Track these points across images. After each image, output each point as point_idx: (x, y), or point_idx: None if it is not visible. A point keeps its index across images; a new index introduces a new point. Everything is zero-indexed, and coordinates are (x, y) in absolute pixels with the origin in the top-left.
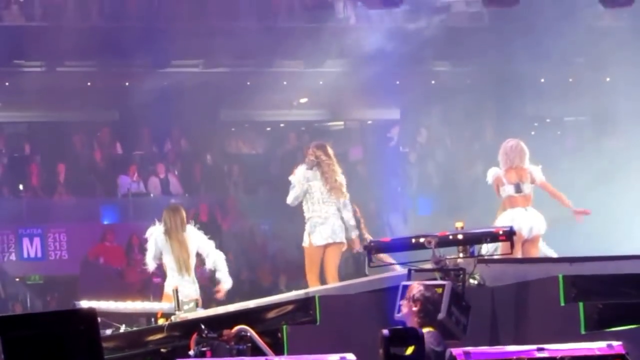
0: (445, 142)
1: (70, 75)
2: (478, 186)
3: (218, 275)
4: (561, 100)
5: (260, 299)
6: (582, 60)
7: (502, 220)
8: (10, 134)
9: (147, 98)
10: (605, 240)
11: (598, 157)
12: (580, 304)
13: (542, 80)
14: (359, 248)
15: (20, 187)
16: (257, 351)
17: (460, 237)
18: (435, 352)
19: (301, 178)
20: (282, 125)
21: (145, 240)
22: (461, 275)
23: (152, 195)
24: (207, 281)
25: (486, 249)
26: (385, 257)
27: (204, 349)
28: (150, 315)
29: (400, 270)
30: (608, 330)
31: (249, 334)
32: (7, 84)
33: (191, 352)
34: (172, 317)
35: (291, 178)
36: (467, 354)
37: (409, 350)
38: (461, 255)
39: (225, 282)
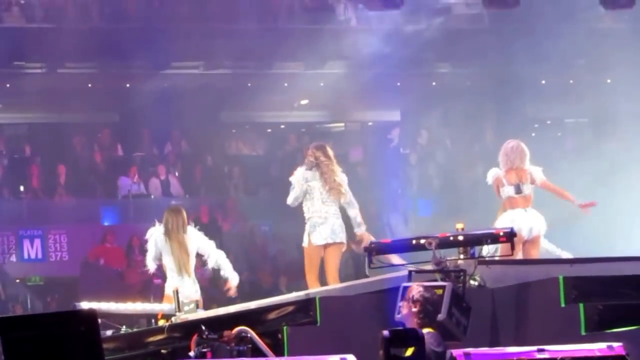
0: (445, 144)
1: (71, 76)
2: (478, 187)
3: (223, 273)
4: (561, 102)
5: (261, 300)
6: (583, 62)
7: (502, 221)
8: (10, 135)
9: (148, 99)
10: (605, 242)
11: (598, 158)
12: (581, 305)
13: (543, 81)
14: (365, 243)
15: (21, 188)
16: (258, 352)
17: (460, 238)
18: (435, 353)
19: (300, 179)
20: (282, 126)
21: (146, 242)
22: (462, 277)
23: (152, 196)
24: (208, 282)
25: (487, 250)
26: (393, 258)
27: (204, 350)
28: (150, 317)
29: (406, 267)
30: (608, 331)
31: (249, 335)
32: (7, 85)
33: (191, 353)
34: (173, 318)
35: (291, 179)
36: (467, 355)
37: (409, 351)
38: (462, 256)
39: (233, 279)
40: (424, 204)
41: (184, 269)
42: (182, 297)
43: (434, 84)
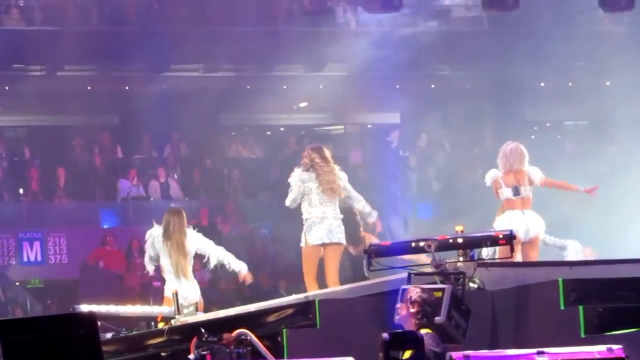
0: (445, 146)
1: (70, 79)
2: (478, 190)
3: (229, 267)
4: (561, 105)
5: (260, 302)
6: (582, 65)
7: (499, 223)
8: (10, 138)
9: (147, 102)
10: (604, 244)
11: (598, 161)
12: (580, 308)
13: (542, 84)
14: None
15: (20, 191)
16: (257, 355)
17: (460, 240)
18: (434, 353)
19: (297, 180)
20: (282, 129)
21: (145, 244)
22: (461, 279)
23: (152, 199)
24: (207, 284)
25: (486, 252)
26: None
27: (204, 352)
28: (150, 319)
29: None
30: (608, 333)
31: (248, 338)
32: (7, 87)
33: (191, 356)
34: (172, 321)
35: (289, 180)
36: (467, 357)
37: (407, 354)
38: (461, 259)
39: (242, 268)
40: (424, 206)
41: (181, 272)
42: (181, 299)
43: (433, 86)
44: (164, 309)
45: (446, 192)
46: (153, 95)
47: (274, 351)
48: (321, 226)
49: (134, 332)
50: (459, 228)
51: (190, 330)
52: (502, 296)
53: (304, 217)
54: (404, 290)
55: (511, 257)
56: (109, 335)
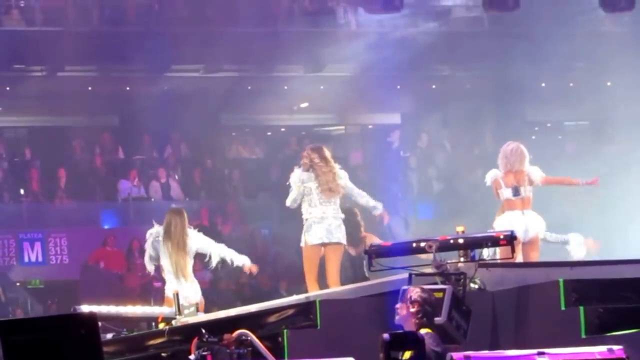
0: (445, 147)
1: (71, 80)
2: (479, 190)
3: (231, 261)
4: (562, 105)
5: (261, 303)
6: (583, 65)
7: (499, 224)
8: (10, 138)
9: (148, 103)
10: (605, 244)
11: (598, 161)
12: (581, 308)
13: (543, 84)
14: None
15: (21, 191)
16: (258, 355)
17: (461, 241)
18: (435, 353)
19: (297, 180)
20: (282, 129)
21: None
22: (462, 280)
23: (152, 199)
24: (208, 285)
25: (487, 253)
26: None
27: (204, 353)
28: (150, 320)
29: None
30: (609, 334)
31: (249, 338)
32: (7, 88)
33: (192, 357)
34: (173, 322)
35: (290, 181)
36: (467, 358)
37: (406, 354)
38: (462, 259)
39: (245, 262)
40: (424, 207)
41: (180, 272)
42: (181, 300)
43: (434, 87)
44: (165, 310)
45: (447, 192)
46: (154, 95)
47: (275, 352)
48: (320, 226)
49: (135, 333)
50: (459, 228)
51: (191, 330)
52: (502, 297)
53: (304, 217)
54: (404, 290)
55: (512, 257)
56: (109, 335)
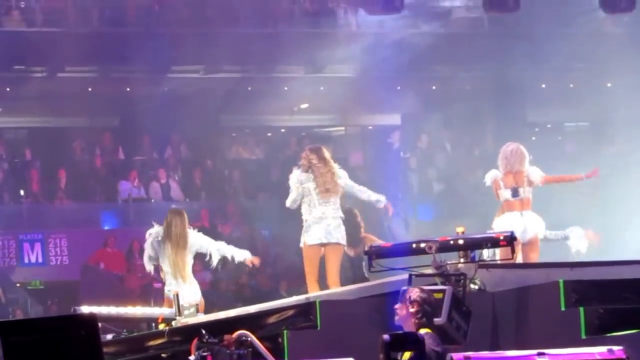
0: (445, 148)
1: (71, 80)
2: (479, 191)
3: (232, 257)
4: (562, 106)
5: (261, 304)
6: (583, 66)
7: (497, 225)
8: (10, 139)
9: (148, 104)
10: (604, 244)
11: (598, 162)
12: (581, 309)
13: (543, 85)
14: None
15: (21, 192)
16: (258, 356)
17: (461, 242)
18: (436, 353)
19: (295, 181)
20: (282, 130)
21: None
22: (462, 281)
23: (152, 200)
24: (208, 286)
25: (487, 253)
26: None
27: (204, 354)
28: (151, 321)
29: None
30: (609, 335)
31: (249, 339)
32: (7, 89)
33: (192, 357)
34: (173, 322)
35: (289, 182)
36: (467, 358)
37: (406, 355)
38: (462, 260)
39: (246, 256)
40: (424, 207)
41: (178, 273)
42: (180, 300)
43: (434, 87)
44: (165, 310)
45: (447, 193)
46: (154, 96)
47: (275, 352)
48: (319, 226)
49: (135, 334)
50: (459, 229)
51: (191, 331)
52: (502, 297)
53: (303, 217)
54: (404, 291)
55: (512, 258)
56: (109, 336)
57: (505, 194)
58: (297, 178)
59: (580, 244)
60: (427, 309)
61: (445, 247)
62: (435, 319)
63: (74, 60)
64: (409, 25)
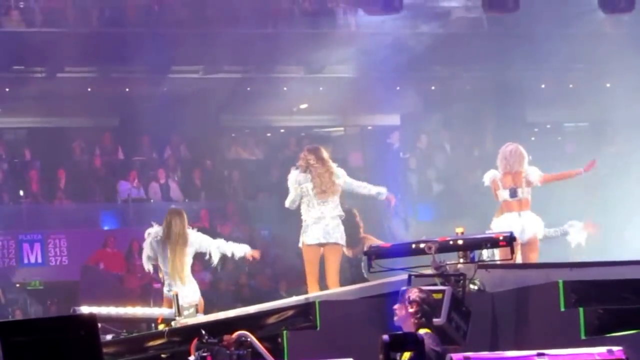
0: (445, 148)
1: (71, 81)
2: (478, 191)
3: (232, 253)
4: (561, 106)
5: (261, 304)
6: (582, 66)
7: (496, 225)
8: (10, 139)
9: (148, 104)
10: (604, 245)
11: (598, 162)
12: (581, 309)
13: (542, 86)
14: (389, 199)
15: (21, 192)
16: (258, 356)
17: (460, 242)
18: (435, 352)
19: (294, 182)
20: (282, 130)
21: None
22: (461, 281)
23: (152, 201)
24: (208, 286)
25: (486, 254)
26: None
27: (204, 354)
28: (150, 321)
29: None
30: (608, 335)
31: (249, 340)
32: (7, 89)
33: (191, 358)
34: (173, 323)
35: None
36: (467, 359)
37: (405, 355)
38: (461, 260)
39: (246, 250)
40: (424, 208)
41: (176, 274)
42: (179, 300)
43: (433, 88)
44: (164, 311)
45: (446, 193)
46: (153, 96)
47: (274, 353)
48: (317, 226)
49: (134, 334)
50: (459, 229)
51: (191, 331)
52: (502, 298)
53: (302, 217)
54: (403, 291)
55: (511, 258)
56: (109, 337)
57: (504, 194)
58: (295, 179)
59: (580, 236)
60: (427, 309)
61: (444, 247)
62: (435, 320)
63: (73, 61)
64: (409, 26)
